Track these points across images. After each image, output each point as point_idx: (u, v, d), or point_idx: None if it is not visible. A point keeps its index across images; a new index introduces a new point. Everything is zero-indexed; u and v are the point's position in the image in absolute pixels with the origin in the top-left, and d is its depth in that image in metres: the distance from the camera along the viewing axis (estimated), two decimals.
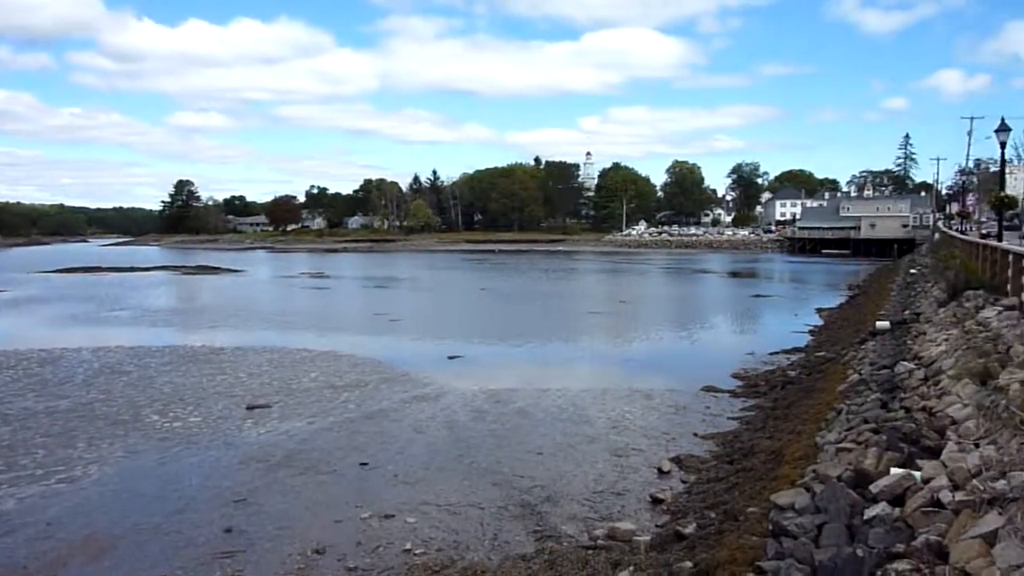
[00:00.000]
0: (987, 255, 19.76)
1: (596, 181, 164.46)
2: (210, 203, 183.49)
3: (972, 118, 65.62)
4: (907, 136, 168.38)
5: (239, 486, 11.47)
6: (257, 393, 17.61)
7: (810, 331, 27.89)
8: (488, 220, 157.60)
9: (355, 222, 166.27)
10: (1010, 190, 34.66)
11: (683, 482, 11.39)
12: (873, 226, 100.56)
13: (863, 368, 13.93)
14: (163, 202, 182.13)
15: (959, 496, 5.39)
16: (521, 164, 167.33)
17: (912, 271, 37.35)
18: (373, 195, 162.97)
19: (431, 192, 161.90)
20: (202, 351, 23.59)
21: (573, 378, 19.60)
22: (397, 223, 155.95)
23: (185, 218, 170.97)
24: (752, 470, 10.36)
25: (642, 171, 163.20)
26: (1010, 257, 15.24)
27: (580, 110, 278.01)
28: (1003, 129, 22.62)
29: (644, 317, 34.70)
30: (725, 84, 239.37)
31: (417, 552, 9.02)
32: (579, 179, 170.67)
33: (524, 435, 14.24)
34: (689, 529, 8.46)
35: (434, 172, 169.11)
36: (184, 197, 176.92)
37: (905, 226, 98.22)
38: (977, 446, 6.51)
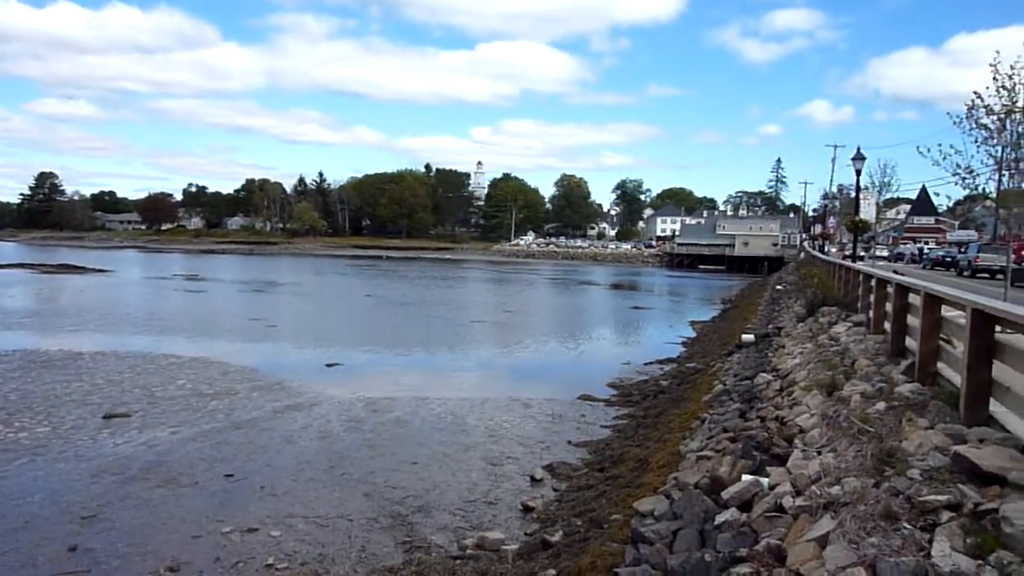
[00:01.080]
0: (842, 274, 21.25)
1: (486, 191, 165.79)
2: (76, 197, 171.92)
3: (836, 146, 71.40)
4: (779, 160, 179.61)
5: (89, 501, 10.71)
6: (116, 401, 16.54)
7: (683, 343, 29.08)
8: (376, 226, 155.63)
9: (235, 223, 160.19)
10: (864, 215, 37.50)
11: (555, 490, 11.55)
12: (746, 244, 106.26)
13: (727, 379, 14.61)
14: (22, 195, 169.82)
15: (799, 502, 5.71)
16: (411, 170, 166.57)
17: (778, 287, 39.63)
18: (255, 195, 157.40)
19: (317, 195, 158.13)
20: (58, 356, 21.95)
21: (454, 387, 19.55)
22: (280, 225, 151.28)
23: (47, 213, 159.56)
24: (620, 478, 10.63)
25: (532, 183, 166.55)
26: (860, 276, 16.44)
27: (472, 119, 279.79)
28: (858, 157, 24.45)
29: (528, 327, 35.13)
30: (613, 102, 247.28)
31: (280, 567, 8.70)
32: (469, 188, 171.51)
33: (400, 445, 14.06)
34: (556, 537, 8.57)
35: (320, 174, 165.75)
36: (46, 190, 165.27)
37: (775, 245, 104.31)
38: (819, 453, 6.93)
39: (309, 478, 12.01)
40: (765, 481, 6.60)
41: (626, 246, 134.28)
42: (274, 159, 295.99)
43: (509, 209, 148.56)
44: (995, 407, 6.39)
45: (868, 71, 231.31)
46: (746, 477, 6.89)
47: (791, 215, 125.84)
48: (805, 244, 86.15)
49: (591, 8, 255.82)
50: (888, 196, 58.01)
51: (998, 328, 6.45)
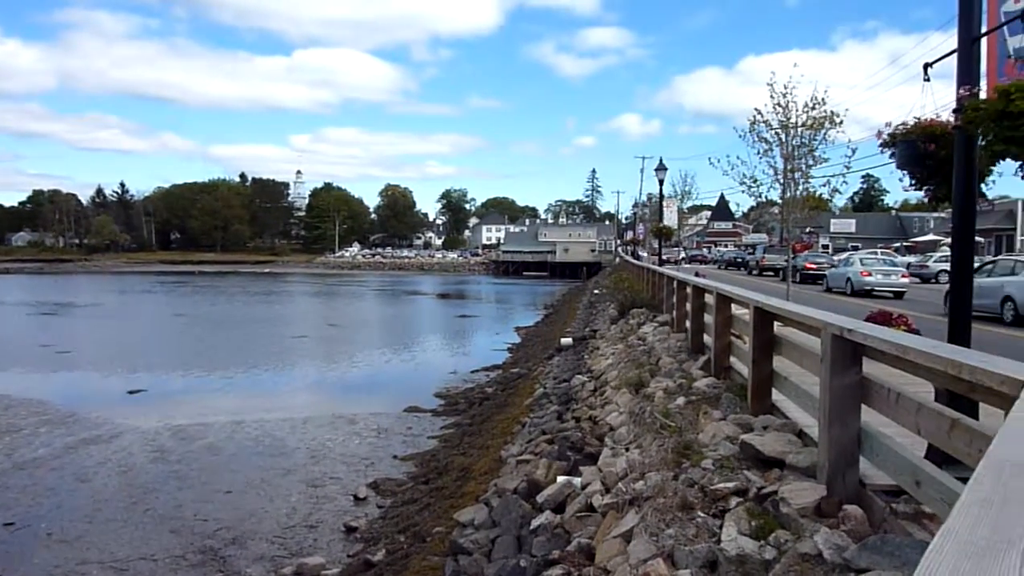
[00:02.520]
0: (650, 277, 22.61)
1: (307, 201, 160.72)
2: None
3: (644, 157, 76.21)
4: (594, 170, 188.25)
5: None
6: None
7: (509, 348, 29.65)
8: (187, 239, 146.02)
9: (21, 239, 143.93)
10: (668, 221, 40.47)
11: (379, 507, 11.31)
12: (567, 250, 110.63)
13: (548, 382, 15.03)
14: None
15: (607, 499, 5.93)
16: (225, 180, 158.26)
17: (595, 292, 41.53)
18: (45, 208, 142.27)
19: (119, 207, 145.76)
20: None
21: (273, 407, 18.64)
22: (76, 241, 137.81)
23: None
24: (444, 488, 10.59)
25: (355, 192, 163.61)
26: (664, 279, 17.55)
27: (291, 127, 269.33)
28: (661, 168, 26.22)
29: (353, 340, 34.34)
30: (437, 112, 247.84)
31: None
32: (289, 198, 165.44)
33: (212, 473, 13.17)
34: (378, 556, 8.36)
35: (122, 184, 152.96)
36: None
37: (593, 251, 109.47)
38: (627, 450, 7.25)
39: (107, 519, 10.94)
40: (578, 481, 6.79)
41: (453, 255, 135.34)
42: (67, 168, 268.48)
43: (332, 220, 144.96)
44: (777, 396, 6.99)
45: (673, 87, 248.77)
46: (561, 478, 7.07)
47: (607, 222, 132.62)
48: (620, 250, 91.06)
49: (411, 18, 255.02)
50: (690, 204, 62.83)
51: (778, 324, 7.08)
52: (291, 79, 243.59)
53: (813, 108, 14.43)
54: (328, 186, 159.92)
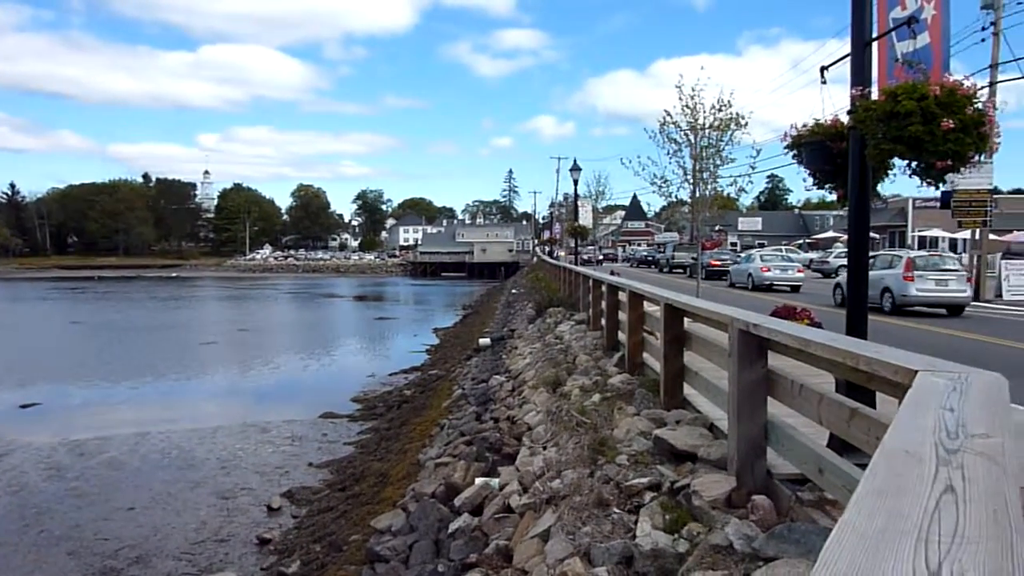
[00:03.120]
0: (566, 276, 22.84)
1: (216, 202, 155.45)
2: None
3: (559, 158, 77.15)
4: (511, 171, 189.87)
5: None
6: None
7: (427, 350, 29.40)
8: (86, 243, 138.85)
9: None
10: (583, 221, 41.15)
11: (293, 517, 10.99)
12: (484, 251, 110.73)
13: (466, 383, 14.97)
14: None
15: (524, 499, 5.92)
16: (127, 180, 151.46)
17: (513, 291, 41.72)
18: None
19: (9, 209, 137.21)
20: None
21: (180, 418, 17.88)
22: None
23: None
24: (361, 495, 10.38)
25: (267, 193, 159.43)
26: (581, 277, 17.76)
27: (198, 126, 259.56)
28: (575, 169, 26.57)
29: (266, 345, 33.36)
30: (351, 111, 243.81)
31: None
32: (196, 199, 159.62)
33: (113, 490, 12.51)
34: (293, 568, 8.11)
35: (12, 185, 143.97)
36: None
37: (510, 251, 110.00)
38: (545, 449, 7.26)
39: None
40: (495, 482, 6.76)
41: (369, 256, 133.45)
42: None
43: (242, 221, 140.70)
44: (688, 391, 7.14)
45: (587, 89, 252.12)
46: (479, 480, 7.02)
47: (524, 222, 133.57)
48: (537, 250, 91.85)
49: (323, 15, 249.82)
50: (605, 203, 64.02)
51: (688, 320, 7.23)
52: (197, 76, 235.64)
53: (720, 110, 14.90)
54: (238, 186, 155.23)
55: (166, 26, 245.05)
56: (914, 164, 4.52)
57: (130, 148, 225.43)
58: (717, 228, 74.81)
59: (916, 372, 2.74)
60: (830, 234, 68.05)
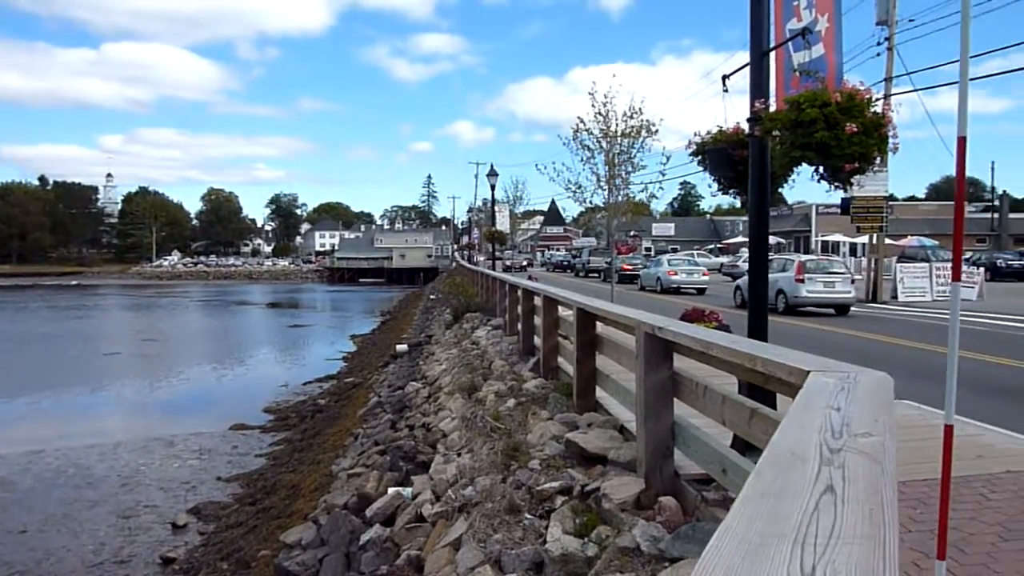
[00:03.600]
0: (483, 281, 22.83)
1: (120, 207, 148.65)
2: None
3: (478, 163, 77.36)
4: (429, 176, 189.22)
5: None
6: None
7: (344, 357, 28.86)
8: None
9: None
10: (500, 226, 41.29)
11: (200, 534, 10.55)
12: (403, 256, 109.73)
13: (382, 391, 14.74)
14: None
15: (437, 508, 5.83)
16: (22, 183, 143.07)
17: (432, 297, 41.43)
18: None
19: None
20: None
21: (78, 433, 16.93)
22: None
23: None
24: (272, 509, 10.06)
25: (175, 197, 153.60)
26: (498, 283, 17.77)
27: (100, 126, 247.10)
28: (492, 174, 26.64)
29: (173, 355, 32.06)
30: (265, 114, 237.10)
31: None
32: (99, 204, 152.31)
33: (2, 513, 11.74)
34: None
35: None
36: None
37: (430, 256, 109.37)
38: (459, 455, 7.20)
39: None
40: (408, 491, 6.66)
41: (284, 262, 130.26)
42: None
43: (149, 226, 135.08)
44: (601, 394, 7.21)
45: (506, 95, 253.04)
46: (391, 490, 6.90)
47: (443, 228, 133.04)
48: (456, 255, 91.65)
49: (234, 14, 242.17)
50: (524, 209, 64.53)
51: (600, 324, 7.31)
52: (99, 74, 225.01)
53: (631, 117, 15.19)
54: (144, 190, 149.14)
55: (65, 22, 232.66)
56: (821, 169, 4.70)
57: (26, 150, 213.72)
58: (632, 233, 76.42)
59: (808, 372, 2.82)
60: (740, 239, 70.52)
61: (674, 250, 66.74)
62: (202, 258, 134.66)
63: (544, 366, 9.24)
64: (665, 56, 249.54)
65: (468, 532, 5.00)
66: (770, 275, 21.12)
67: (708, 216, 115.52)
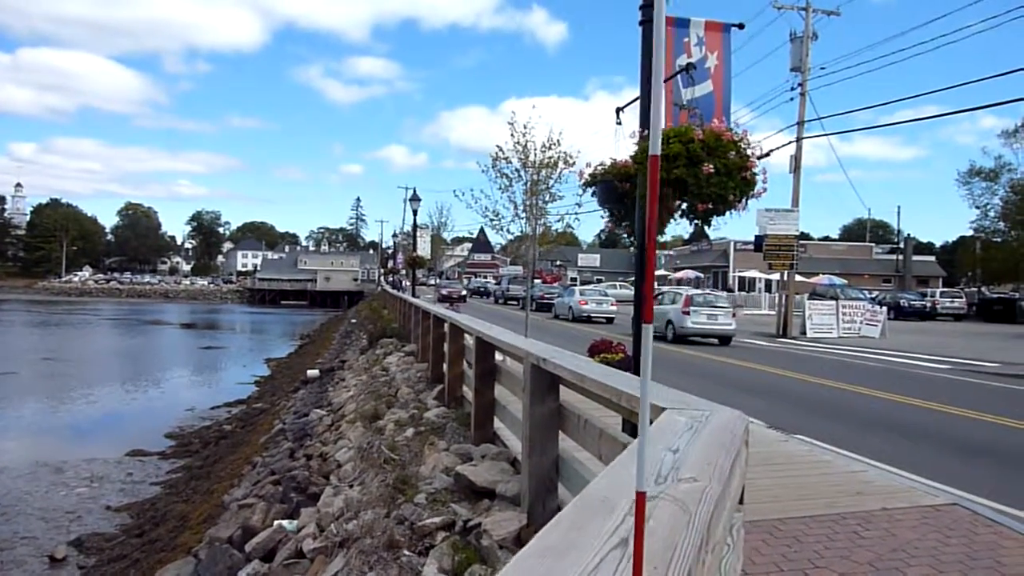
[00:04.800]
0: (401, 307, 22.53)
1: (28, 218, 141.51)
2: None
3: (407, 188, 76.91)
4: (359, 199, 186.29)
5: None
6: None
7: (256, 381, 27.95)
8: None
9: None
10: (423, 251, 40.98)
11: (80, 568, 9.90)
12: (328, 279, 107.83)
13: (287, 417, 14.27)
14: None
15: (318, 543, 5.59)
16: None
17: (353, 321, 40.72)
18: None
19: None
20: None
21: None
22: None
23: None
24: (158, 541, 9.53)
25: (90, 211, 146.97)
26: (412, 308, 17.54)
27: (11, 133, 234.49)
28: (415, 199, 26.45)
29: (75, 376, 30.39)
30: (190, 128, 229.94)
31: None
32: (6, 214, 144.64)
33: None
34: None
35: None
36: None
37: (355, 280, 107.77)
38: (351, 487, 6.96)
39: None
40: (293, 524, 6.38)
41: (203, 281, 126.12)
42: None
43: (59, 240, 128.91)
44: (498, 424, 7.11)
45: (439, 122, 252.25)
46: (276, 523, 6.60)
47: (371, 251, 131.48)
48: (382, 279, 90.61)
49: (162, 25, 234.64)
50: (453, 235, 64.53)
51: (500, 356, 7.23)
52: (13, 79, 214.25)
53: (549, 148, 15.27)
54: (55, 202, 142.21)
55: None
56: (684, 206, 4.75)
57: None
58: (558, 263, 77.16)
59: (664, 409, 2.79)
60: (661, 272, 72.11)
61: (599, 280, 67.81)
62: (116, 275, 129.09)
63: (449, 395, 9.10)
64: (598, 91, 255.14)
65: (344, 570, 4.79)
66: (661, 307, 22.82)
67: (632, 248, 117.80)
